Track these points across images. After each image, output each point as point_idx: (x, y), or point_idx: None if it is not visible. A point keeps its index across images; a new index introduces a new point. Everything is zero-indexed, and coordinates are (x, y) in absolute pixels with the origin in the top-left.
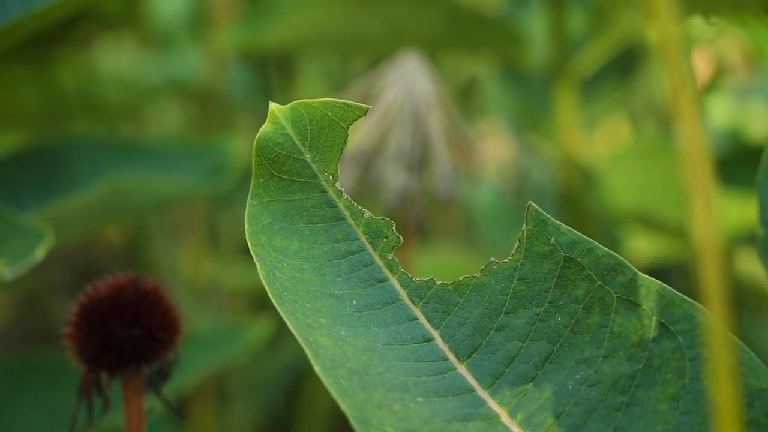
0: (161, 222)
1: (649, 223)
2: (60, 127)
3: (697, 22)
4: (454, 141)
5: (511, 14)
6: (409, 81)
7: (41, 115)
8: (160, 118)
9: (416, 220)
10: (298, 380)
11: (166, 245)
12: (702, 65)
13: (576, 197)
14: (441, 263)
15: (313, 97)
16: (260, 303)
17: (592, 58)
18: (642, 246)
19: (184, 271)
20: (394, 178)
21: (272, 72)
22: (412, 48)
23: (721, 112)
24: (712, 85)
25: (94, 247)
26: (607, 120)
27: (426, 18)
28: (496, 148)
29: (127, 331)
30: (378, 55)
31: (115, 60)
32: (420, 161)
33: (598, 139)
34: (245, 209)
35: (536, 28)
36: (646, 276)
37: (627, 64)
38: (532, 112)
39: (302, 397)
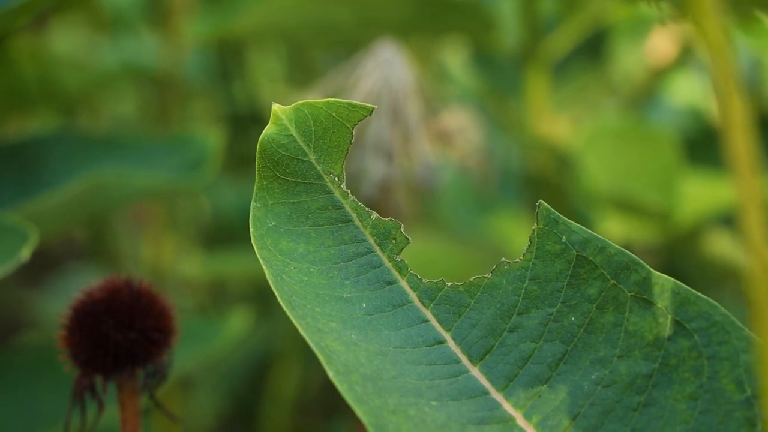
0: (122, 210)
1: (622, 205)
2: (20, 116)
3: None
4: (432, 129)
5: None
6: (386, 70)
7: (1, 104)
8: (115, 105)
9: (397, 210)
10: (263, 368)
11: (128, 233)
12: (666, 43)
13: (548, 180)
14: (414, 251)
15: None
16: (220, 292)
17: (563, 41)
18: (614, 228)
19: (146, 260)
20: (374, 167)
21: (230, 56)
22: (381, 34)
23: (685, 89)
24: (677, 63)
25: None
26: (578, 102)
27: (395, 3)
28: (460, 130)
29: (123, 334)
30: (346, 40)
31: (70, 44)
32: (399, 150)
33: (569, 122)
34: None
35: (506, 12)
36: (660, 274)
37: (597, 47)
38: (502, 96)
39: (267, 385)
